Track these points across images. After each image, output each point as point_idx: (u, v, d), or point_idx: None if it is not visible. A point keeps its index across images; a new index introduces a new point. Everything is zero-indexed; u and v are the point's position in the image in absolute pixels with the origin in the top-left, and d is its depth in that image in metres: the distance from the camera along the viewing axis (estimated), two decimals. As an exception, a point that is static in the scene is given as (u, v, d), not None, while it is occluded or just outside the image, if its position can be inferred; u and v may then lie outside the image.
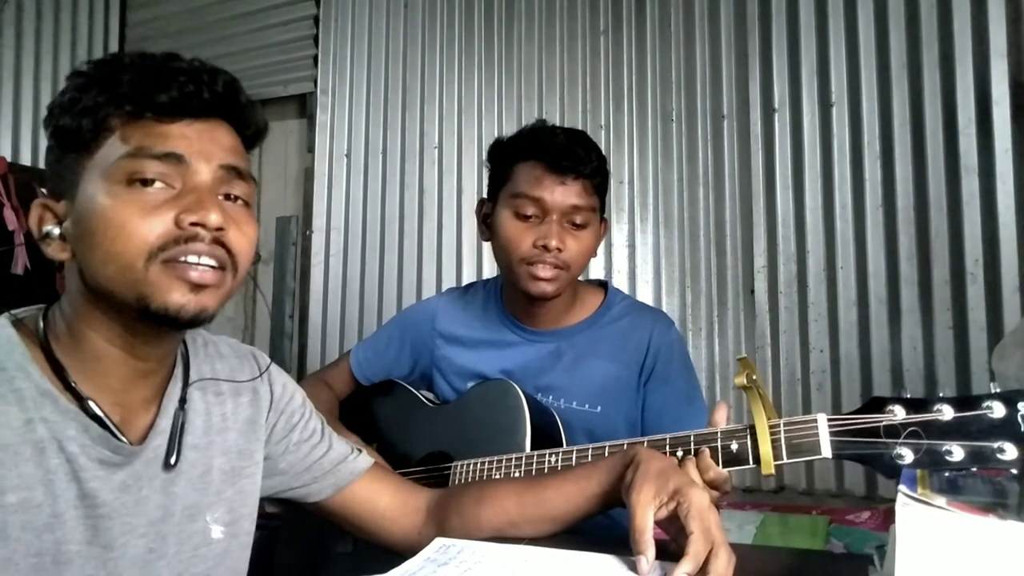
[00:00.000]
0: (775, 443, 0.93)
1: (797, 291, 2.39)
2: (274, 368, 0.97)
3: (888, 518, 1.87)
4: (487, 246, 2.86)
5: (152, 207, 0.73)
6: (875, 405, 0.90)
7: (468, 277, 2.84)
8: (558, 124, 1.42)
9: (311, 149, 3.20)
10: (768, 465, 0.93)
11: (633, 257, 2.63)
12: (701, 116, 2.56)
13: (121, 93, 0.73)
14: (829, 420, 0.92)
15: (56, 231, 0.75)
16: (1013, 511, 0.66)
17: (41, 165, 3.40)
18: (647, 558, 0.76)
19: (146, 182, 0.73)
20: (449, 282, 2.85)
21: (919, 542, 0.61)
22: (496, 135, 2.82)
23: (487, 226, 1.39)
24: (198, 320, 0.75)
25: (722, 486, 0.97)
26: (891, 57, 2.29)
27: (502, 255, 1.34)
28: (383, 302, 3.02)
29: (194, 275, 0.73)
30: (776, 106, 2.45)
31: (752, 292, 2.45)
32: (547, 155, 1.29)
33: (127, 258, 0.72)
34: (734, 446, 0.96)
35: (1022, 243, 2.11)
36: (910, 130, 2.26)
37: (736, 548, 0.76)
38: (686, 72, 2.59)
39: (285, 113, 3.32)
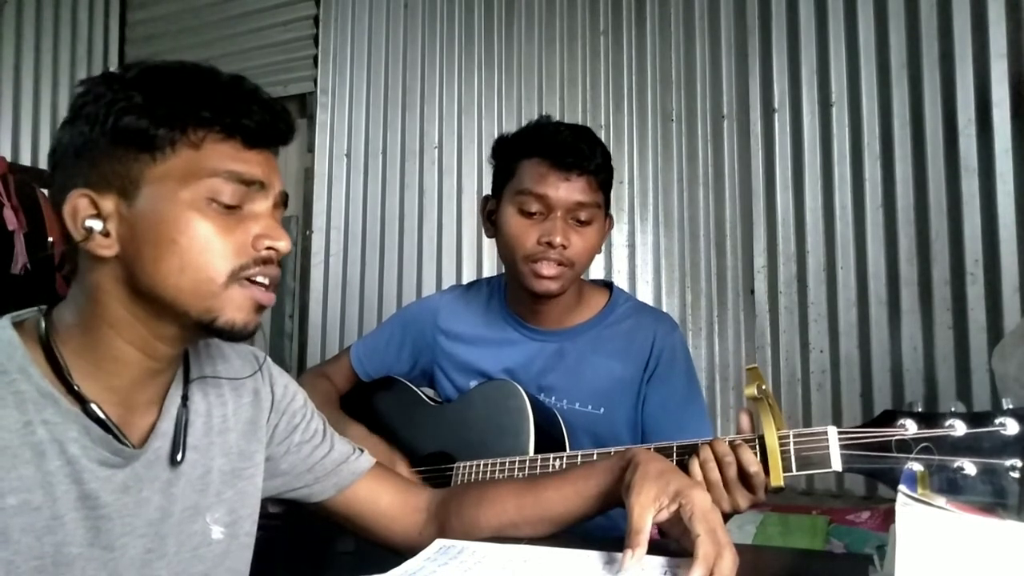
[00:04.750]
0: (784, 455, 0.92)
1: (797, 291, 2.39)
2: (275, 369, 0.98)
3: (888, 518, 1.87)
4: (487, 246, 2.89)
5: (231, 225, 0.76)
6: (885, 418, 0.89)
7: (468, 277, 2.84)
8: (559, 122, 1.41)
9: (311, 149, 3.20)
10: (778, 477, 0.92)
11: (633, 257, 2.63)
12: (701, 116, 2.56)
13: (210, 111, 0.75)
14: (840, 433, 0.91)
15: (99, 226, 0.74)
16: (1013, 511, 0.66)
17: (41, 165, 3.41)
18: (633, 553, 0.76)
19: (228, 204, 0.76)
20: (449, 282, 2.85)
21: (919, 542, 0.61)
22: (496, 135, 2.82)
23: (491, 223, 1.39)
24: (251, 336, 0.79)
25: (758, 491, 0.94)
26: (891, 57, 2.29)
27: (506, 252, 1.34)
28: (383, 302, 3.02)
29: (261, 296, 0.78)
30: (776, 106, 2.45)
31: (752, 292, 2.45)
32: (551, 152, 1.28)
33: (208, 273, 0.74)
34: None
35: (1022, 243, 2.11)
36: (910, 130, 2.26)
37: (736, 548, 0.76)
38: (686, 72, 2.59)
39: (285, 113, 3.32)
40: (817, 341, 2.35)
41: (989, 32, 2.17)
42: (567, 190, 1.28)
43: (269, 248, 0.77)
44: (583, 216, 1.29)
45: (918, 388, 2.20)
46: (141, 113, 0.73)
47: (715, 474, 0.94)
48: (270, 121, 0.78)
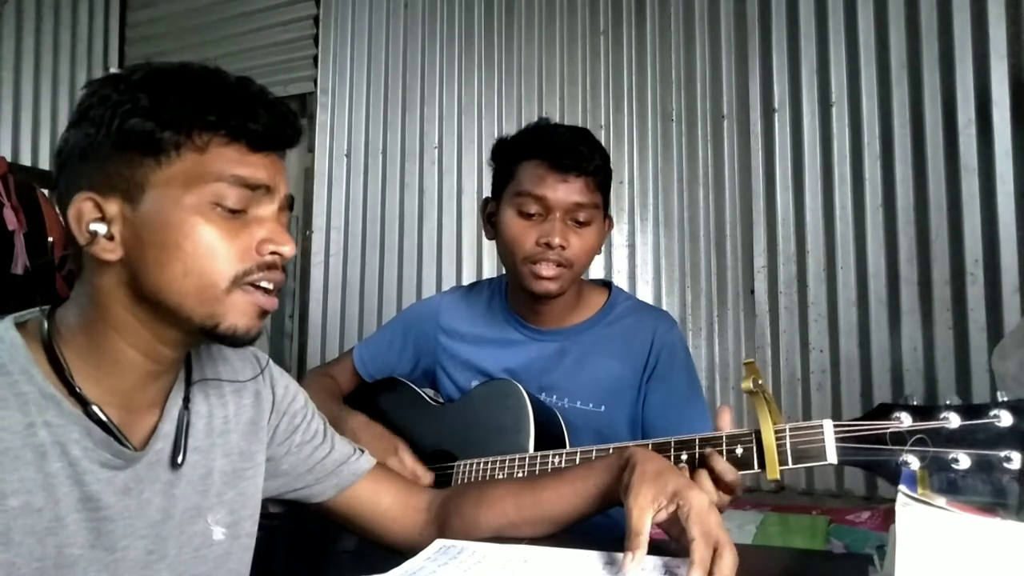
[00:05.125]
0: (780, 448, 0.93)
1: (797, 291, 2.39)
2: (276, 370, 0.98)
3: (888, 518, 1.87)
4: (487, 246, 2.89)
5: (236, 230, 0.75)
6: (881, 411, 0.89)
7: (468, 277, 2.85)
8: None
9: (311, 149, 3.21)
10: (774, 470, 0.93)
11: (633, 257, 2.63)
12: (701, 116, 2.56)
13: (216, 114, 0.74)
14: (835, 426, 0.91)
15: (103, 229, 0.73)
16: (1013, 511, 0.66)
17: (42, 165, 3.42)
18: (633, 556, 0.76)
19: (232, 208, 0.75)
20: (449, 282, 2.86)
21: (919, 542, 0.61)
22: (496, 135, 2.81)
23: (491, 225, 1.40)
24: (253, 341, 0.79)
25: (736, 490, 0.96)
26: (891, 57, 2.29)
27: (506, 254, 1.35)
28: (383, 302, 3.02)
29: (265, 301, 0.78)
30: (776, 106, 2.45)
31: (752, 292, 2.45)
32: (550, 153, 1.29)
33: (212, 278, 0.74)
34: (739, 451, 0.96)
35: (1022, 243, 2.11)
36: (910, 130, 2.26)
37: (736, 548, 0.76)
38: (686, 72, 2.59)
39: (285, 113, 3.32)
40: (817, 341, 2.35)
41: (989, 32, 2.17)
42: (565, 191, 1.28)
43: (274, 253, 0.77)
44: (581, 217, 1.30)
45: (918, 388, 2.20)
46: (147, 116, 0.72)
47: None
48: (277, 124, 0.77)
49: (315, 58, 3.22)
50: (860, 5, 2.34)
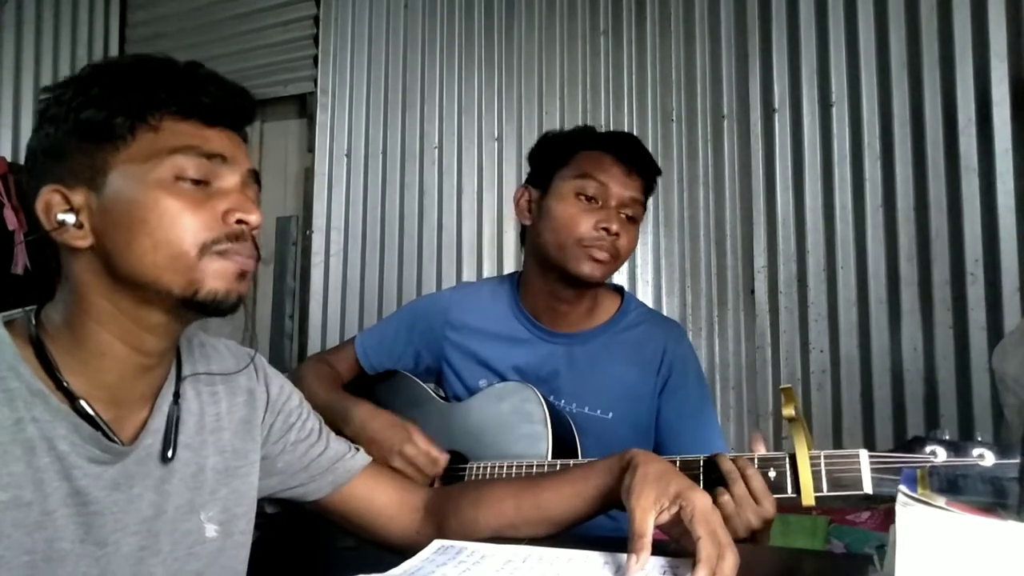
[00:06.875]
0: (815, 475, 0.94)
1: (797, 291, 2.39)
2: (270, 370, 0.98)
3: (888, 518, 1.87)
4: (487, 246, 2.89)
5: (200, 201, 0.76)
6: (914, 444, 0.91)
7: (468, 277, 2.84)
8: (558, 125, 1.44)
9: (311, 149, 3.20)
10: (809, 496, 0.94)
11: (633, 257, 2.63)
12: (701, 116, 2.56)
13: (165, 94, 0.76)
14: (871, 456, 0.93)
15: (71, 219, 0.75)
16: (1013, 511, 0.66)
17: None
18: (637, 558, 0.76)
19: (194, 179, 0.77)
20: (449, 282, 2.85)
21: (919, 542, 0.61)
22: (496, 135, 2.81)
23: (529, 212, 1.41)
24: (237, 306, 0.79)
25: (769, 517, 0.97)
26: (891, 57, 2.29)
27: (552, 236, 1.34)
28: (383, 302, 3.02)
29: (242, 262, 0.78)
30: (776, 106, 2.45)
31: (752, 292, 2.45)
32: (615, 147, 1.36)
33: (181, 246, 0.75)
34: (772, 474, 0.97)
35: (1022, 243, 2.11)
36: (910, 130, 2.26)
37: (736, 548, 0.76)
38: (686, 72, 2.59)
39: (285, 113, 3.32)
40: (817, 341, 2.35)
41: (989, 33, 2.17)
42: (626, 185, 1.34)
43: (239, 222, 0.78)
44: (632, 213, 1.35)
45: (918, 388, 2.20)
46: (99, 105, 0.75)
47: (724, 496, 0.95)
48: (227, 98, 0.79)
49: (315, 58, 3.22)
50: (860, 5, 2.34)
